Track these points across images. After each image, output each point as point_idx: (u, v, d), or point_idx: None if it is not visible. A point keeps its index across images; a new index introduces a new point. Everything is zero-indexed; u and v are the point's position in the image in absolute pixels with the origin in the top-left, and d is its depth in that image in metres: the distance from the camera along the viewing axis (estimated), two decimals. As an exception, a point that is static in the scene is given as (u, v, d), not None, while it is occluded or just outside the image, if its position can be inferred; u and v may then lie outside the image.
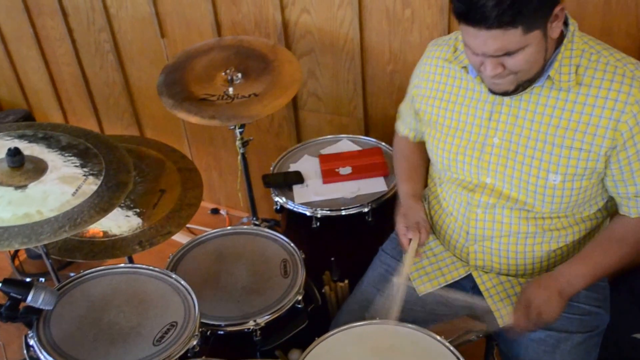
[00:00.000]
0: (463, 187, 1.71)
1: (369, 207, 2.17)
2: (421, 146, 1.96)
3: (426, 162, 1.97)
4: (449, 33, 2.20)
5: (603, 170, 1.54)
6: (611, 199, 1.66)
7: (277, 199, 2.27)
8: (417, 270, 1.85)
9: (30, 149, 1.74)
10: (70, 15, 3.10)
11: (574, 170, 1.54)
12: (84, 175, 1.69)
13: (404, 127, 1.99)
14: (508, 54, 1.41)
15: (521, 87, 1.52)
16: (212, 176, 3.31)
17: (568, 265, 1.61)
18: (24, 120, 3.15)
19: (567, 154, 1.53)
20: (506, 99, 1.58)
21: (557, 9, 1.40)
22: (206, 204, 3.44)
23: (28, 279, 2.92)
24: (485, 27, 1.36)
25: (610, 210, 1.70)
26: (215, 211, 3.42)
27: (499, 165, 1.63)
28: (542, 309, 1.55)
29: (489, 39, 1.39)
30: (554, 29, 1.43)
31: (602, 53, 1.51)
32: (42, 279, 2.91)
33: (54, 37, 3.24)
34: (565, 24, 1.52)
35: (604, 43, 1.55)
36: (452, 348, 1.63)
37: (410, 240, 1.75)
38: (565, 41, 1.50)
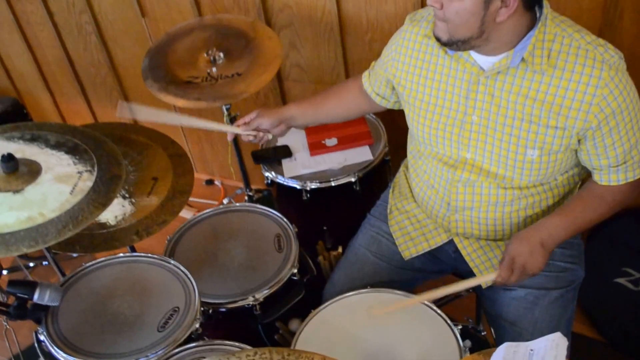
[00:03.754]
0: (444, 163, 1.76)
1: (356, 176, 2.24)
2: (359, 103, 2.05)
3: (343, 113, 2.08)
4: (422, 2, 2.24)
5: (576, 145, 1.60)
6: (583, 167, 1.72)
7: (267, 174, 2.34)
8: (403, 235, 1.94)
9: (21, 151, 1.76)
10: (50, -1, 3.11)
11: (549, 147, 1.59)
12: (78, 172, 1.72)
13: (370, 87, 2.00)
14: None
15: (455, 45, 1.56)
16: (204, 148, 3.36)
17: (549, 218, 1.66)
18: (13, 107, 3.16)
19: (544, 132, 1.58)
20: (481, 78, 1.61)
21: None
22: (200, 176, 3.50)
23: (31, 264, 3.01)
24: None
25: (582, 175, 1.76)
26: (209, 182, 3.48)
27: (479, 141, 1.68)
28: (526, 262, 1.60)
29: None
30: (500, 13, 1.46)
31: (574, 36, 1.53)
32: (46, 263, 2.98)
33: (35, 21, 3.25)
34: (540, 6, 1.54)
35: (576, 24, 1.58)
36: (439, 311, 1.73)
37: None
38: (539, 24, 1.52)
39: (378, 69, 1.94)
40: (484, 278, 1.71)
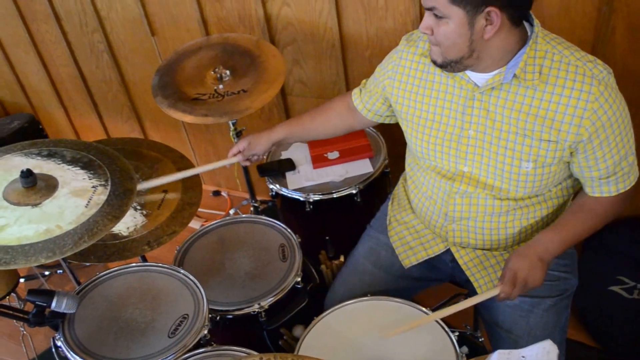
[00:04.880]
0: (442, 176, 1.82)
1: (357, 188, 2.32)
2: (346, 120, 2.14)
3: (330, 132, 2.19)
4: (420, 19, 2.32)
5: (569, 158, 1.66)
6: (576, 178, 1.78)
7: (271, 186, 2.43)
8: (402, 245, 2.00)
9: (39, 167, 1.82)
10: (63, 19, 3.21)
11: (543, 159, 1.66)
12: (93, 186, 1.78)
13: (361, 103, 2.07)
14: (435, 15, 1.56)
15: (449, 66, 1.64)
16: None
17: (544, 234, 1.72)
18: (29, 124, 3.24)
19: (538, 145, 1.64)
20: (477, 94, 1.68)
21: (490, 8, 1.50)
22: (208, 187, 3.58)
23: (47, 273, 3.10)
24: None
25: (575, 187, 1.82)
26: (216, 193, 3.56)
27: (475, 155, 1.74)
28: (527, 276, 1.65)
29: None
30: (486, 30, 1.54)
31: (563, 53, 1.60)
32: (60, 271, 3.08)
33: (50, 40, 3.36)
34: (531, 24, 1.62)
35: (566, 41, 1.64)
36: (437, 318, 1.78)
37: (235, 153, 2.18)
38: (530, 42, 1.59)
39: (372, 87, 2.01)
40: (487, 294, 1.74)
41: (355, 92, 2.10)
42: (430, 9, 1.57)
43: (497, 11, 1.50)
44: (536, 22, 1.62)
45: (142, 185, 2.04)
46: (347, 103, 2.13)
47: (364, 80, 2.09)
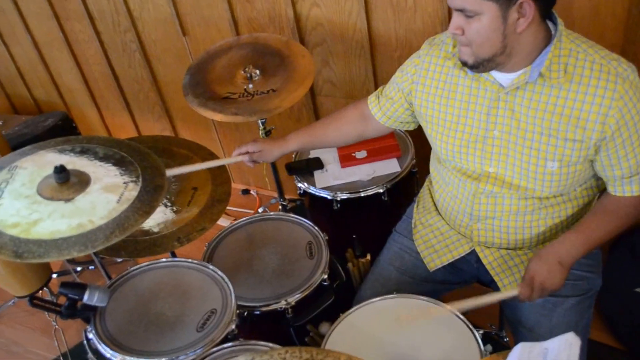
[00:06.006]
0: (468, 176, 1.83)
1: (384, 187, 2.33)
2: (358, 129, 2.16)
3: (342, 141, 2.22)
4: (448, 20, 2.33)
5: (593, 156, 1.66)
6: (600, 178, 1.78)
7: (299, 184, 2.45)
8: (427, 248, 2.02)
9: (72, 163, 1.84)
10: (97, 19, 3.27)
11: (569, 159, 1.66)
12: (124, 183, 1.81)
13: (380, 111, 2.07)
14: (466, 14, 1.56)
15: (481, 65, 1.64)
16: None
17: (566, 236, 1.72)
18: (62, 121, 3.30)
19: (563, 144, 1.65)
20: (502, 94, 1.69)
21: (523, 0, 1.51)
22: (237, 186, 3.61)
23: (79, 268, 3.16)
24: None
25: (600, 187, 1.82)
26: (245, 192, 3.60)
27: (501, 155, 1.75)
28: (544, 281, 1.67)
29: None
30: (519, 23, 1.54)
31: (588, 52, 1.60)
32: (92, 267, 3.13)
33: (83, 40, 3.42)
34: (554, 23, 1.63)
35: (589, 40, 1.65)
36: (461, 317, 1.79)
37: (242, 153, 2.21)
38: (554, 41, 1.60)
39: (394, 93, 2.01)
40: (507, 293, 1.76)
41: (372, 100, 2.10)
42: (460, 10, 1.57)
43: (530, 1, 1.51)
44: (560, 21, 1.62)
45: None
46: (361, 111, 2.14)
47: (380, 88, 2.10)
